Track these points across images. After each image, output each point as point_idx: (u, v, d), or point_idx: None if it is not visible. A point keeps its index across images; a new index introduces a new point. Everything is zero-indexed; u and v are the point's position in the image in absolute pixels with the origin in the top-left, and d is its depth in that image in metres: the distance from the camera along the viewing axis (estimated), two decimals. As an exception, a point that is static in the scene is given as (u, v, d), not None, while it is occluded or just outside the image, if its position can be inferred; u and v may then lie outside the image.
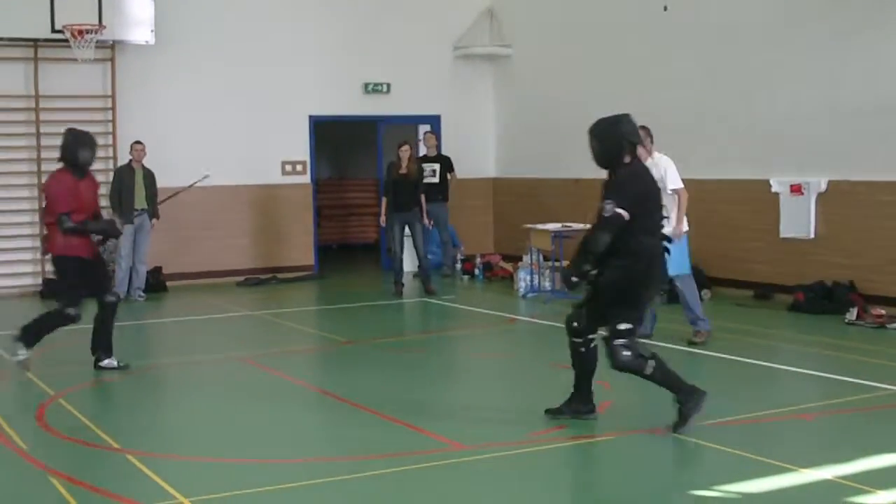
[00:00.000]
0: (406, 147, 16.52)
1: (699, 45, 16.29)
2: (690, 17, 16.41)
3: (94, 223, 10.91)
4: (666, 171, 11.44)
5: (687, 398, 8.21)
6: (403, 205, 16.44)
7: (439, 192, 18.48)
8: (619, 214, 8.01)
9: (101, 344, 11.04)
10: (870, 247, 13.97)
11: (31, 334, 10.91)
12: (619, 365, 8.23)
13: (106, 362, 11.00)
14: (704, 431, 8.18)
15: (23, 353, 10.82)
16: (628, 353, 8.16)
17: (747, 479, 7.02)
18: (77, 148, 10.84)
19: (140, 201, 16.40)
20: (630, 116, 8.60)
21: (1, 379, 10.76)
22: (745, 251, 15.36)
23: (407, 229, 16.74)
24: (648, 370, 8.21)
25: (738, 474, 7.12)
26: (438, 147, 19.54)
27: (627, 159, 8.31)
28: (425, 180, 18.57)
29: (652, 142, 11.63)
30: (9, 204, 17.16)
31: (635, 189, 8.23)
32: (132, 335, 13.52)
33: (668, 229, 11.19)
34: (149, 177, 16.54)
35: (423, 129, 20.21)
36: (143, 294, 16.56)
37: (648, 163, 11.42)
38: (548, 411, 8.76)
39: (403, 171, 16.38)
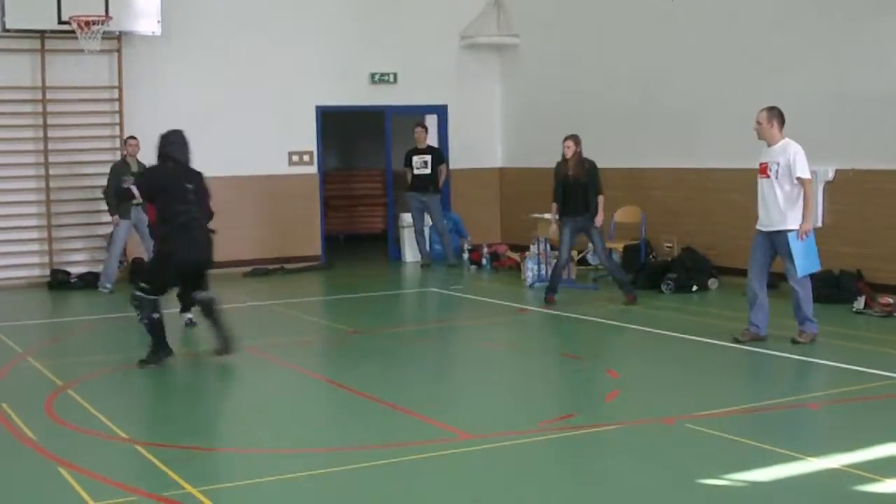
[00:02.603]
0: (570, 143, 14.42)
1: (705, 33, 16.27)
2: (697, 6, 16.40)
3: None
4: (795, 157, 10.97)
5: (156, 352, 10.74)
6: (573, 209, 14.31)
7: (431, 183, 18.65)
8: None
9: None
10: (877, 236, 13.96)
11: None
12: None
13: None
14: (712, 421, 8.19)
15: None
16: (136, 302, 10.65)
17: (755, 467, 7.02)
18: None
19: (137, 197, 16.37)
20: (178, 132, 10.99)
21: (8, 370, 10.78)
22: (752, 240, 15.32)
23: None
24: (145, 321, 10.67)
25: (746, 463, 7.12)
26: (443, 137, 19.72)
27: (169, 163, 10.80)
28: (416, 171, 18.68)
29: (782, 126, 11.21)
30: (16, 195, 17.18)
31: (148, 180, 11.10)
32: (140, 327, 13.51)
33: (793, 225, 11.06)
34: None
35: (430, 118, 20.26)
36: None
37: (777, 147, 11.23)
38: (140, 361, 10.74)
39: (572, 172, 14.29)
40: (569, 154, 14.22)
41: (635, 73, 17.37)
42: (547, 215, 15.98)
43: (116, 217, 16.17)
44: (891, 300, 12.86)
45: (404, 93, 19.94)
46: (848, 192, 14.27)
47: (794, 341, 11.15)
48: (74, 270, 17.18)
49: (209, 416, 9.27)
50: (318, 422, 8.98)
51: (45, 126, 17.10)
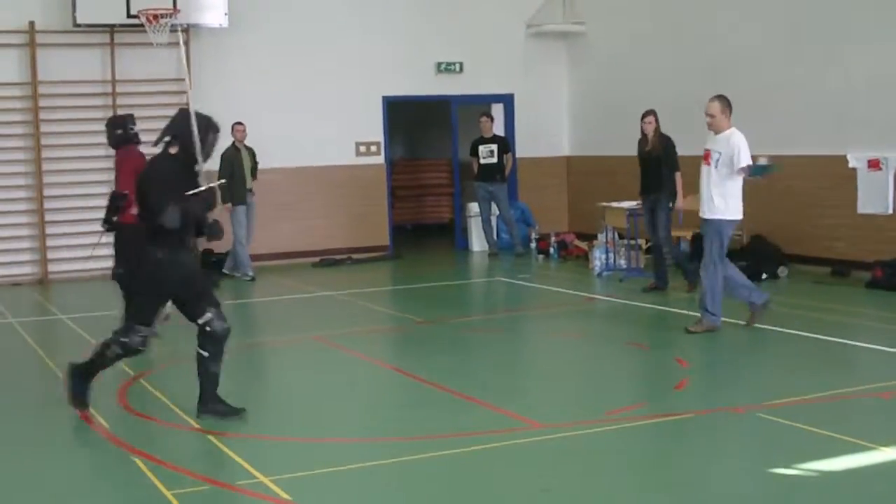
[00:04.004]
0: (650, 118, 14.10)
1: (771, 17, 16.09)
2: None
3: None
4: (739, 148, 10.99)
5: None
6: (647, 187, 14.23)
7: (497, 172, 18.66)
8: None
9: None
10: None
11: None
12: None
13: None
14: (782, 409, 8.14)
15: None
16: None
17: (826, 457, 6.97)
18: None
19: (249, 181, 16.75)
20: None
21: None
22: (822, 227, 15.19)
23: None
24: None
25: (818, 452, 7.08)
26: (509, 126, 19.76)
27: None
28: (483, 161, 18.67)
29: (730, 114, 11.31)
30: (89, 188, 17.31)
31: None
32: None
33: (720, 215, 11.06)
34: (252, 156, 17.01)
35: (497, 107, 20.25)
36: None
37: (722, 136, 11.17)
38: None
39: (648, 147, 14.11)
40: (649, 130, 14.06)
41: (703, 60, 17.23)
42: (614, 203, 15.94)
43: (229, 204, 16.23)
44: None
45: (470, 82, 19.94)
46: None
47: (687, 330, 11.23)
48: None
49: (279, 405, 9.33)
50: (388, 411, 9.02)
51: (116, 119, 17.29)
